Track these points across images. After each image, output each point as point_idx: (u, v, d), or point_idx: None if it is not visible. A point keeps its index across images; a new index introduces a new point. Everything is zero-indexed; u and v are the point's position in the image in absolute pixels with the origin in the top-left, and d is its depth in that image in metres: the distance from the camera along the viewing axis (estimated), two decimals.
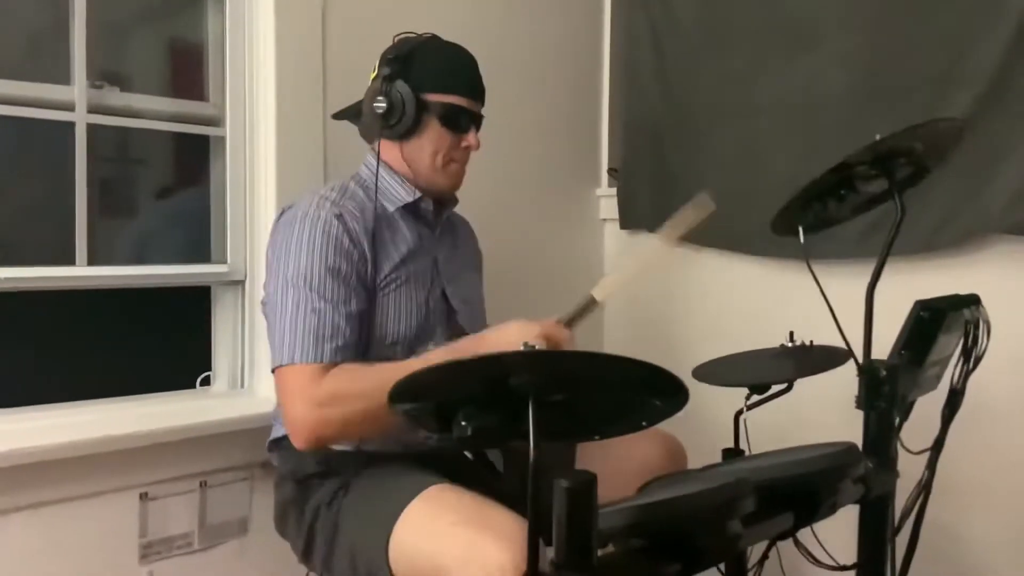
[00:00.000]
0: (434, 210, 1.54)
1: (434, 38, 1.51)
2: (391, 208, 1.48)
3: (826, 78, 1.99)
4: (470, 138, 1.50)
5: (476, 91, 1.51)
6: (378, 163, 1.49)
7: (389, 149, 1.50)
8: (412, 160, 1.49)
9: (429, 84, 1.45)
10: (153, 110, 1.73)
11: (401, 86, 1.44)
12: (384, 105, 1.44)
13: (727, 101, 2.18)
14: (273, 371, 1.35)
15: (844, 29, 1.97)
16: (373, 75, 1.48)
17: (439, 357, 1.29)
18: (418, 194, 1.50)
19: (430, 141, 1.47)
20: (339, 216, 1.39)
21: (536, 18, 2.29)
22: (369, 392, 1.25)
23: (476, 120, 1.51)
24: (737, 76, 2.15)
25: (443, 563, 1.16)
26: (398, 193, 1.49)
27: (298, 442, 1.30)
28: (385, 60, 1.46)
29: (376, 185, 1.47)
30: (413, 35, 1.50)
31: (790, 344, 1.53)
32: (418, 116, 1.45)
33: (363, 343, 1.38)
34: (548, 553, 0.86)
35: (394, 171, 1.50)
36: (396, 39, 1.50)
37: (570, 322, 1.40)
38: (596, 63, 2.51)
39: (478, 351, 1.26)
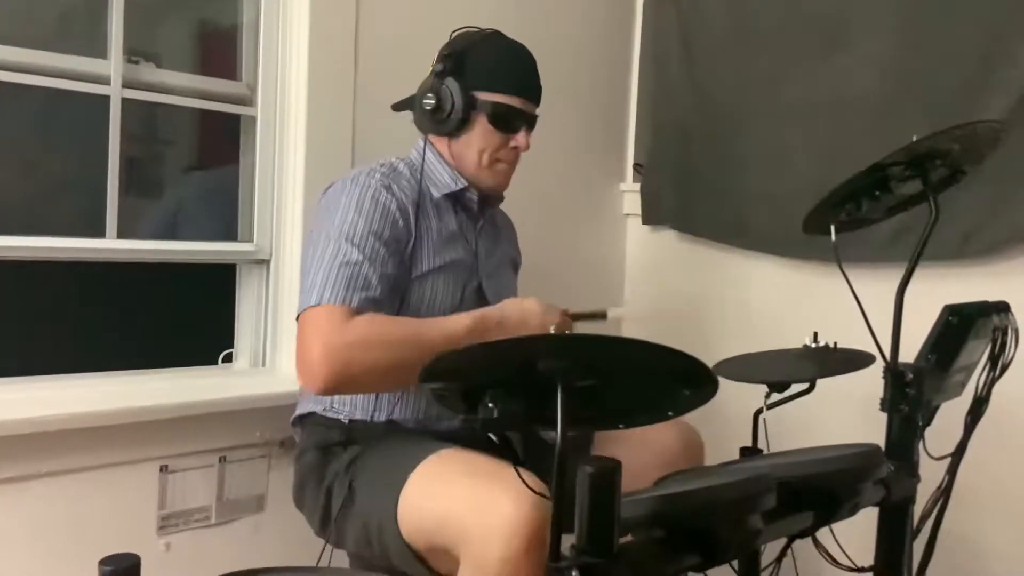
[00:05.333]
0: (479, 202, 1.54)
1: (494, 34, 1.50)
2: (436, 194, 1.49)
3: (856, 79, 1.98)
4: (519, 138, 1.48)
5: (530, 91, 1.49)
6: (424, 147, 1.49)
7: (439, 141, 1.51)
8: (459, 156, 1.49)
9: (480, 82, 1.44)
10: (186, 87, 1.74)
11: (451, 83, 1.43)
12: (432, 102, 1.44)
13: (754, 100, 2.17)
14: (297, 317, 1.33)
15: (876, 29, 1.95)
16: (431, 69, 1.48)
17: (464, 322, 1.34)
18: (464, 183, 1.50)
19: (478, 139, 1.47)
20: (388, 187, 1.40)
21: (567, 13, 2.29)
22: (394, 343, 1.26)
23: (528, 120, 1.50)
24: (765, 75, 2.14)
25: (451, 519, 1.16)
26: (444, 180, 1.50)
27: (313, 383, 1.27)
28: (440, 56, 1.46)
29: (422, 169, 1.47)
30: (475, 29, 1.49)
31: (813, 345, 1.52)
32: (466, 114, 1.44)
33: (393, 310, 1.37)
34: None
35: (444, 160, 1.51)
36: (454, 34, 1.49)
37: (576, 318, 1.47)
38: (626, 58, 2.50)
39: (502, 323, 1.34)
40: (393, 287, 1.37)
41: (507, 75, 1.47)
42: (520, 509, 1.09)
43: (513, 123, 1.48)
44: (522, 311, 1.38)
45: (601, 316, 1.51)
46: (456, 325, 1.34)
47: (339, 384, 1.27)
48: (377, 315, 1.31)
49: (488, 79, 1.45)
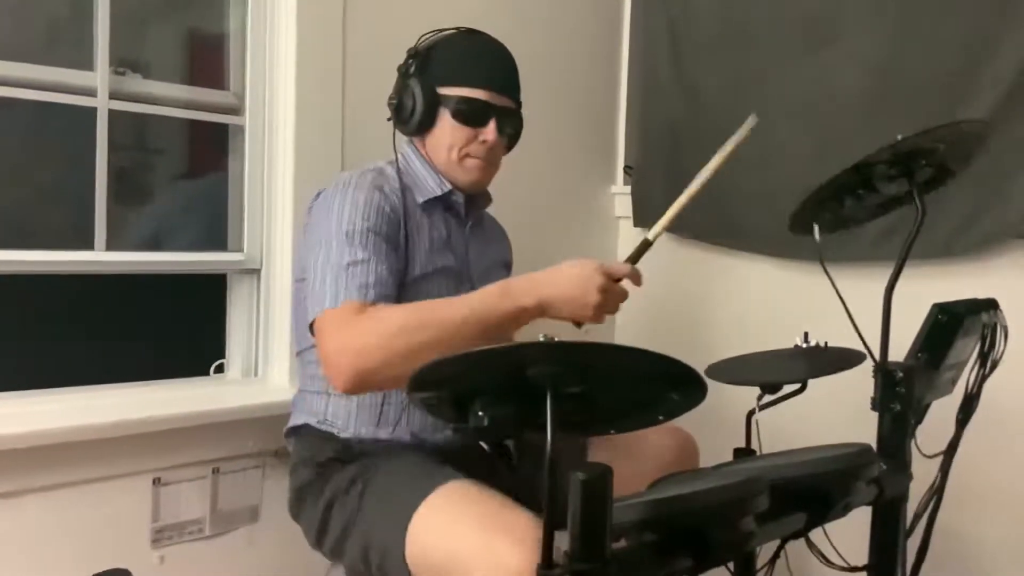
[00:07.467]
0: (465, 204, 1.53)
1: (463, 31, 1.49)
2: (421, 199, 1.48)
3: (843, 78, 1.98)
4: (487, 132, 1.45)
5: (496, 82, 1.46)
6: (405, 151, 1.48)
7: (418, 143, 1.51)
8: (432, 154, 1.49)
9: (443, 78, 1.44)
10: (174, 98, 1.74)
11: (412, 82, 1.44)
12: (395, 101, 1.45)
13: (744, 100, 2.17)
14: (311, 325, 1.32)
15: (862, 28, 1.96)
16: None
17: (487, 296, 1.29)
18: (448, 187, 1.49)
19: (445, 135, 1.46)
20: (380, 188, 1.40)
21: (556, 15, 2.29)
22: (412, 325, 1.24)
23: (499, 112, 1.46)
24: (754, 75, 2.15)
25: (459, 561, 1.16)
26: (428, 184, 1.49)
27: (340, 379, 1.24)
28: (407, 55, 1.46)
29: (397, 174, 1.46)
30: (450, 30, 1.49)
31: (804, 345, 1.53)
32: (431, 110, 1.44)
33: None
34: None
35: (428, 163, 1.50)
36: (423, 35, 1.49)
37: (632, 260, 1.41)
38: (615, 60, 2.51)
39: (534, 293, 1.28)
40: (399, 282, 1.36)
41: (471, 69, 1.45)
42: (521, 558, 1.09)
43: (479, 117, 1.45)
44: (555, 280, 1.30)
45: (647, 245, 1.46)
46: (485, 295, 1.29)
47: (363, 376, 1.24)
48: (389, 305, 1.29)
49: (450, 74, 1.44)
